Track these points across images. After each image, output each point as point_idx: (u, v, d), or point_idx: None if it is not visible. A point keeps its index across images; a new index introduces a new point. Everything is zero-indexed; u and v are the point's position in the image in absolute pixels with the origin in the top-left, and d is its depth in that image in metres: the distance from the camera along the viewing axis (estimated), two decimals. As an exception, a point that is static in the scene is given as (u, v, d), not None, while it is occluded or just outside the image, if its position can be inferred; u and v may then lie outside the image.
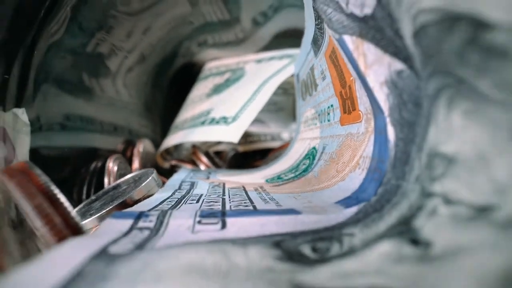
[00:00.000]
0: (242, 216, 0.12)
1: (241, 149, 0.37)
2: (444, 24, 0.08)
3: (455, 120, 0.08)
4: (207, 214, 0.12)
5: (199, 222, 0.11)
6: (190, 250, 0.08)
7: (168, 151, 0.36)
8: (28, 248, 0.14)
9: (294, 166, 0.24)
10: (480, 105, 0.07)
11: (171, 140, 0.33)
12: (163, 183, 0.22)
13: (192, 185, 0.21)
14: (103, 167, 0.26)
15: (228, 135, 0.28)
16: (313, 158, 0.22)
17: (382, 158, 0.13)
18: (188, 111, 0.36)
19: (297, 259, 0.08)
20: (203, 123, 0.31)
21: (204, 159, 0.33)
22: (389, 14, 0.10)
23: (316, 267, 0.08)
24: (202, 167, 0.32)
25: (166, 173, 0.29)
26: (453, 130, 0.08)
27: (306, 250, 0.09)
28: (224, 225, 0.11)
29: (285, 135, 0.37)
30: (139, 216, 0.12)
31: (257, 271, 0.08)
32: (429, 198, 0.09)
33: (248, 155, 0.37)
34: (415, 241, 0.08)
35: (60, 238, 0.10)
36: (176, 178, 0.23)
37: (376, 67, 0.12)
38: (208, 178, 0.24)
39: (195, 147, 0.34)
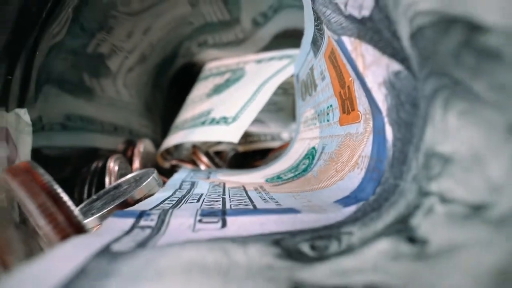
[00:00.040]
0: (242, 215, 0.12)
1: (241, 149, 0.37)
2: (440, 26, 0.08)
3: (451, 120, 0.08)
4: (207, 213, 0.12)
5: (200, 221, 0.11)
6: (191, 248, 0.09)
7: (168, 151, 0.36)
8: (31, 247, 0.14)
9: (294, 166, 0.24)
10: (475, 106, 0.07)
11: (172, 140, 0.33)
12: (164, 182, 0.22)
13: (193, 184, 0.21)
14: (104, 167, 0.26)
15: (228, 135, 0.28)
16: (313, 158, 0.22)
17: (380, 158, 0.13)
18: (188, 111, 0.37)
19: (296, 257, 0.09)
20: (203, 123, 0.31)
21: (204, 159, 0.33)
22: (386, 16, 0.10)
23: (315, 265, 0.08)
24: (203, 167, 0.33)
25: (167, 173, 0.29)
26: (449, 131, 0.08)
27: (305, 248, 0.09)
28: (224, 224, 0.11)
29: (285, 135, 0.38)
30: (141, 215, 0.12)
31: (257, 268, 0.08)
32: (426, 197, 0.09)
33: (248, 155, 0.38)
34: (412, 239, 0.08)
35: (63, 236, 0.10)
36: (177, 177, 0.23)
37: (374, 68, 0.12)
38: (208, 178, 0.24)
39: (195, 147, 0.34)
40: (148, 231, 0.10)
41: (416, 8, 0.08)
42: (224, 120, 0.30)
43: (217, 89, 0.36)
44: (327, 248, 0.09)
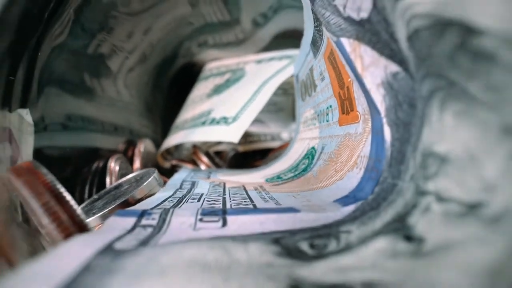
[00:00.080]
0: (242, 214, 0.12)
1: (241, 149, 0.37)
2: (435, 29, 0.08)
3: (447, 121, 0.08)
4: (208, 212, 0.12)
5: (201, 220, 0.12)
6: (192, 246, 0.09)
7: (168, 151, 0.36)
8: (33, 245, 0.14)
9: (294, 166, 0.24)
10: (470, 106, 0.07)
11: (172, 140, 0.34)
12: (164, 182, 0.22)
13: (193, 184, 0.21)
14: (104, 167, 0.27)
15: (229, 135, 0.28)
16: (312, 158, 0.22)
17: (379, 158, 0.13)
18: (188, 111, 0.37)
19: (296, 255, 0.09)
20: (203, 123, 0.32)
21: (205, 159, 0.33)
22: (384, 19, 0.10)
23: (314, 263, 0.08)
24: (203, 167, 0.33)
25: (167, 173, 0.30)
26: (446, 131, 0.08)
27: (304, 246, 0.09)
28: (225, 223, 0.11)
29: (285, 135, 0.38)
30: (142, 214, 0.12)
31: (257, 266, 0.08)
32: (423, 196, 0.09)
33: (248, 155, 0.38)
34: (409, 237, 0.09)
35: (67, 235, 0.10)
36: (177, 177, 0.23)
37: (373, 69, 0.12)
38: (208, 177, 0.24)
39: (195, 147, 0.34)
40: (149, 230, 0.11)
41: (412, 11, 0.09)
42: (224, 120, 0.30)
43: (217, 89, 0.36)
44: (326, 247, 0.09)
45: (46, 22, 0.19)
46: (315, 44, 0.20)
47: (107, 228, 0.10)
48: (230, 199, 0.16)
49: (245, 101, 0.30)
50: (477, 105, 0.07)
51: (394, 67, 0.11)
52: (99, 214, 0.16)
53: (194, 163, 0.34)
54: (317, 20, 0.18)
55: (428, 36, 0.08)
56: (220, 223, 0.11)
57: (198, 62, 0.42)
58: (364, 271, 0.08)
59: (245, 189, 0.19)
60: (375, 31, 0.11)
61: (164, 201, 0.16)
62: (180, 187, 0.20)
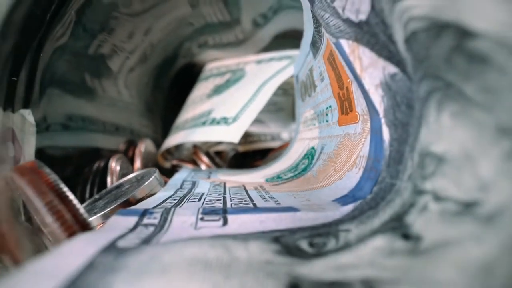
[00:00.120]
0: (242, 213, 0.12)
1: (241, 149, 0.38)
2: (432, 31, 0.08)
3: (444, 121, 0.08)
4: (209, 211, 0.13)
5: (202, 219, 0.12)
6: (193, 245, 0.09)
7: (169, 151, 0.36)
8: (36, 244, 0.14)
9: (293, 166, 0.25)
10: (466, 107, 0.08)
11: (172, 140, 0.34)
12: (165, 182, 0.22)
13: (194, 184, 0.21)
14: (105, 166, 0.27)
15: (229, 135, 0.28)
16: (312, 158, 0.22)
17: (377, 158, 0.13)
18: (189, 112, 0.37)
19: (295, 253, 0.09)
20: (204, 123, 0.32)
21: (205, 159, 0.33)
22: (382, 21, 0.11)
23: (313, 261, 0.09)
24: (203, 167, 0.33)
25: (167, 173, 0.30)
26: (443, 131, 0.08)
27: (304, 245, 0.10)
28: (225, 222, 0.12)
29: (285, 135, 0.38)
30: (144, 213, 0.12)
31: (257, 264, 0.08)
32: (421, 196, 0.09)
33: (248, 155, 0.38)
34: (406, 236, 0.09)
35: (70, 233, 0.10)
36: (178, 177, 0.23)
37: (371, 70, 0.12)
38: (209, 177, 0.24)
39: (196, 147, 0.34)
40: (151, 229, 0.11)
41: (410, 13, 0.09)
42: (225, 120, 0.30)
43: (218, 90, 0.37)
44: (325, 245, 0.09)
45: (48, 24, 0.19)
46: (315, 45, 0.20)
47: (110, 227, 0.11)
48: (230, 198, 0.16)
49: (245, 101, 0.30)
50: (473, 106, 0.07)
51: (392, 69, 0.11)
52: (100, 214, 0.16)
53: (195, 163, 0.34)
54: (316, 22, 0.18)
55: (425, 38, 0.08)
56: (220, 222, 0.11)
57: (198, 62, 0.42)
58: (363, 269, 0.08)
59: (245, 188, 0.19)
60: (373, 33, 0.12)
61: (165, 200, 0.16)
62: (181, 187, 0.20)
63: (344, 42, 0.14)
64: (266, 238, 0.10)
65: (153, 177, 0.19)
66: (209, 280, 0.07)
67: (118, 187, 0.21)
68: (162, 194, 0.17)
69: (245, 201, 0.15)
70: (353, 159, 0.15)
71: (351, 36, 0.13)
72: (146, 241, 0.10)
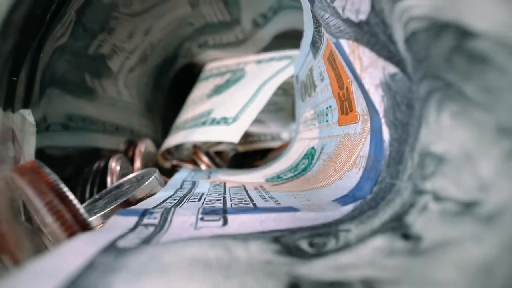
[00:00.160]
0: (242, 213, 0.12)
1: (241, 149, 0.38)
2: (432, 31, 0.08)
3: (444, 121, 0.08)
4: (209, 211, 0.12)
5: (202, 219, 0.12)
6: (193, 245, 0.09)
7: (169, 151, 0.36)
8: (36, 244, 0.14)
9: (293, 166, 0.25)
10: (466, 107, 0.08)
11: (172, 140, 0.34)
12: (165, 182, 0.22)
13: (194, 184, 0.21)
14: (105, 166, 0.27)
15: (229, 135, 0.28)
16: (312, 158, 0.22)
17: (377, 158, 0.13)
18: (189, 112, 0.37)
19: (295, 253, 0.09)
20: (204, 123, 0.32)
21: (205, 159, 0.33)
22: (382, 21, 0.11)
23: (313, 261, 0.09)
24: (203, 167, 0.33)
25: (167, 173, 0.30)
26: (443, 131, 0.08)
27: (304, 245, 0.10)
28: (225, 222, 0.12)
29: (285, 135, 0.38)
30: (144, 213, 0.12)
31: (257, 263, 0.08)
32: (421, 196, 0.09)
33: (248, 155, 0.38)
34: (406, 236, 0.09)
35: (70, 233, 0.10)
36: (178, 177, 0.23)
37: (371, 70, 0.12)
38: (209, 177, 0.24)
39: (196, 147, 0.34)
40: (151, 229, 0.11)
41: (410, 13, 0.09)
42: (225, 120, 0.30)
43: (218, 90, 0.37)
44: (325, 245, 0.09)
45: (48, 24, 0.19)
46: (315, 45, 0.20)
47: (110, 227, 0.11)
48: (230, 198, 0.16)
49: (245, 101, 0.30)
50: (473, 106, 0.07)
51: (392, 69, 0.11)
52: (100, 214, 0.16)
53: (195, 163, 0.34)
54: (316, 22, 0.18)
55: (425, 38, 0.08)
56: (220, 222, 0.11)
57: (198, 62, 0.42)
58: (363, 269, 0.08)
59: (245, 188, 0.19)
60: (373, 33, 0.12)
61: (165, 200, 0.16)
62: (181, 187, 0.20)
63: (344, 42, 0.14)
64: (266, 238, 0.10)
65: (153, 177, 0.19)
66: (209, 280, 0.07)
67: (118, 187, 0.21)
68: (162, 194, 0.17)
69: (245, 201, 0.15)
70: (353, 159, 0.15)
71: (351, 36, 0.13)
72: (146, 241, 0.10)
